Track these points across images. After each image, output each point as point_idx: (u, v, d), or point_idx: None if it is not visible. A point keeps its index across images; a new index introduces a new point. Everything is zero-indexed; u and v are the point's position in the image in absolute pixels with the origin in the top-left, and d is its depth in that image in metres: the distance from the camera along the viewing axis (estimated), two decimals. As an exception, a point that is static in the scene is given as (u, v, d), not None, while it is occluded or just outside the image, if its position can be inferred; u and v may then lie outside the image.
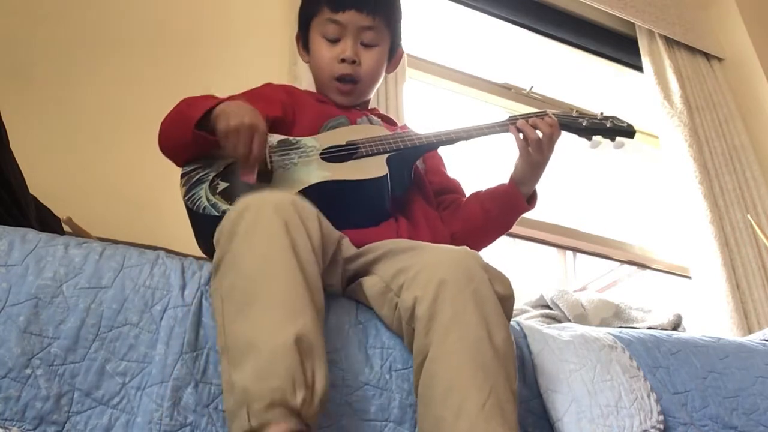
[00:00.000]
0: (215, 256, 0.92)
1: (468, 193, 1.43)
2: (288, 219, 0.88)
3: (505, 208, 1.33)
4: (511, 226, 1.37)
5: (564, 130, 1.33)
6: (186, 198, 1.14)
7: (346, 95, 1.40)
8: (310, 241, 0.89)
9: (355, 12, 1.36)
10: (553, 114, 1.32)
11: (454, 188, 1.44)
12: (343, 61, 1.37)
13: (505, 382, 0.86)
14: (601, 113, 1.39)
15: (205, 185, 1.15)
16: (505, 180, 1.35)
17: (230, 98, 1.20)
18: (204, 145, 1.15)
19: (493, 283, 0.92)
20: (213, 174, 1.17)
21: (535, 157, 1.28)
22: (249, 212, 0.89)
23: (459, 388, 0.83)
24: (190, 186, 1.15)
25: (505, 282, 0.95)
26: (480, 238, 1.35)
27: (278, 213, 0.88)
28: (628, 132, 1.37)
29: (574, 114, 1.37)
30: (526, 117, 1.31)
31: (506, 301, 0.93)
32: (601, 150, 1.35)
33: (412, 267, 0.95)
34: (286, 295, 0.83)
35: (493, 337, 0.87)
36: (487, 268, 0.94)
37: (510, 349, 0.90)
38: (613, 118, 1.39)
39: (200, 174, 1.17)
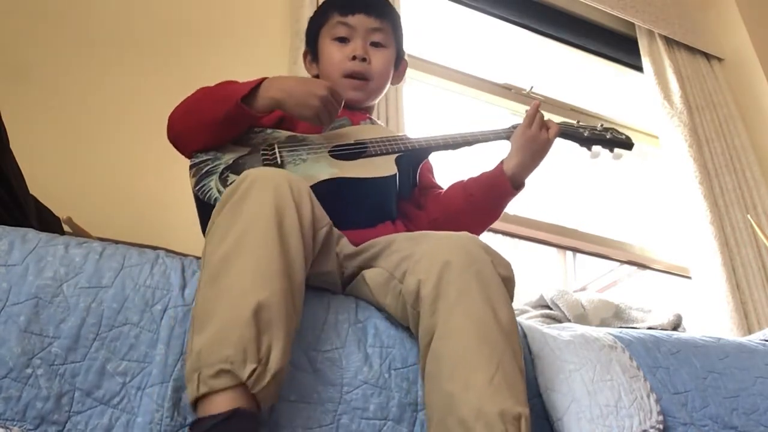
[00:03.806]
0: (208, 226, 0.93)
1: None
2: (279, 192, 0.89)
3: (487, 190, 1.31)
4: (497, 212, 1.34)
5: (566, 138, 1.38)
6: (196, 188, 1.15)
7: (358, 90, 1.41)
8: (298, 215, 0.89)
9: (363, 15, 1.42)
10: (557, 122, 1.36)
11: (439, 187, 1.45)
12: (354, 58, 1.39)
13: (512, 358, 0.87)
14: (601, 125, 1.45)
15: (215, 177, 1.17)
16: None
17: None
18: (240, 122, 1.21)
19: (495, 265, 0.94)
20: (223, 166, 1.19)
21: (538, 134, 1.29)
22: (243, 184, 0.90)
23: (466, 362, 0.84)
24: (200, 177, 1.17)
25: (506, 264, 0.97)
26: (463, 225, 1.26)
27: (270, 186, 0.90)
28: (627, 144, 1.42)
29: (576, 124, 1.42)
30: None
31: (508, 282, 0.95)
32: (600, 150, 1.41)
33: (414, 254, 0.96)
34: (256, 266, 0.83)
35: (498, 314, 0.88)
36: (489, 251, 0.95)
37: (514, 327, 0.91)
38: (613, 130, 1.44)
39: (210, 166, 1.19)
